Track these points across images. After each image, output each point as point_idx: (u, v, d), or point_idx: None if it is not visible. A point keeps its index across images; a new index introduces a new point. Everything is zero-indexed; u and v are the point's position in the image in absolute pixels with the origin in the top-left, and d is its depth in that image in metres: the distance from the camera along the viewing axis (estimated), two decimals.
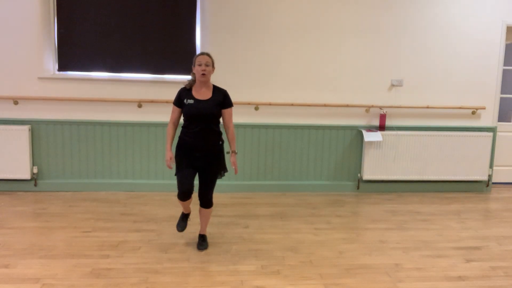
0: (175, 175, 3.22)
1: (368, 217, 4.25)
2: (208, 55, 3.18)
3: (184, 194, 3.17)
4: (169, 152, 3.22)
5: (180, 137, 3.23)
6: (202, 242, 3.41)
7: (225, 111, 3.22)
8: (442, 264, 3.23)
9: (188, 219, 3.49)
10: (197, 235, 3.60)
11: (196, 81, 3.20)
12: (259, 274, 2.96)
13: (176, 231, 3.69)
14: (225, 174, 3.34)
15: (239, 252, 3.31)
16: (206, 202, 3.27)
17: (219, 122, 3.22)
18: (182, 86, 3.27)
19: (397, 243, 3.60)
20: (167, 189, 4.87)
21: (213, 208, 3.38)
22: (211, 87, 3.23)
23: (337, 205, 4.63)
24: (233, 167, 3.25)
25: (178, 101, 3.20)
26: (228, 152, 3.29)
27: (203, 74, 3.12)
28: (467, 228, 4.03)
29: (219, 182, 4.90)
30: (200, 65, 3.13)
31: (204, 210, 3.33)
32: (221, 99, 3.20)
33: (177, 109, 3.22)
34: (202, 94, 3.18)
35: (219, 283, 2.82)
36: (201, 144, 3.15)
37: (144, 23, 4.76)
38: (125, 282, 2.80)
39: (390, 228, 3.95)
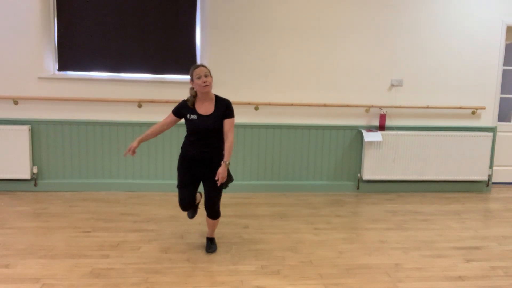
0: (177, 187, 3.24)
1: (368, 217, 4.25)
2: (204, 66, 3.11)
3: (184, 209, 3.28)
4: (134, 143, 3.20)
5: (183, 148, 3.22)
6: (211, 245, 3.37)
7: (226, 121, 3.12)
8: (442, 264, 3.23)
9: (198, 206, 3.46)
10: (198, 235, 3.61)
11: (198, 94, 3.12)
12: (259, 274, 2.96)
13: (176, 231, 3.70)
14: (230, 183, 3.23)
15: (239, 252, 3.31)
16: (213, 213, 3.24)
17: (221, 135, 3.15)
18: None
19: (397, 243, 3.60)
20: (167, 189, 4.87)
21: (220, 217, 3.33)
22: (214, 99, 3.15)
23: (337, 205, 4.63)
24: (217, 178, 3.03)
25: (178, 112, 3.16)
26: (224, 162, 3.08)
27: (206, 85, 3.05)
28: (467, 228, 4.03)
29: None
30: (199, 77, 3.03)
31: (210, 220, 3.30)
32: (223, 111, 3.12)
33: (173, 118, 3.17)
34: (205, 108, 3.12)
35: (219, 283, 2.82)
36: (204, 156, 3.13)
37: (144, 23, 4.76)
38: (125, 282, 2.80)
39: (390, 228, 3.95)
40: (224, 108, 3.12)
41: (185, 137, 3.20)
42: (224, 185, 3.14)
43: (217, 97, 3.17)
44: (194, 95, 3.15)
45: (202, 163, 3.15)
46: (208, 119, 3.09)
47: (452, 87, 5.14)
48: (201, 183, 3.24)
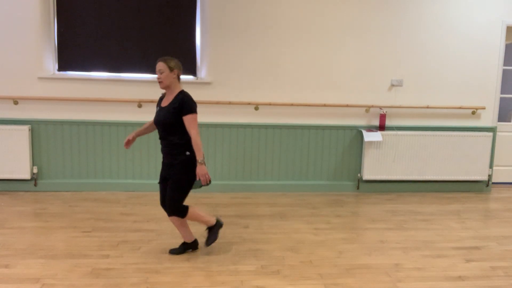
0: None
1: (368, 217, 4.25)
2: (163, 61, 3.02)
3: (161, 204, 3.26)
4: (131, 135, 3.26)
5: None
6: (208, 237, 3.23)
7: (183, 118, 3.00)
8: (442, 264, 3.23)
9: (189, 249, 3.28)
10: (198, 235, 3.62)
11: None
12: (259, 274, 2.96)
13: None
14: (201, 184, 3.09)
15: (239, 252, 3.31)
16: (167, 210, 3.10)
17: (179, 132, 3.03)
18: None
19: (397, 243, 3.60)
20: None
21: (183, 219, 3.13)
22: (176, 93, 3.06)
23: (337, 205, 4.63)
24: (198, 178, 3.01)
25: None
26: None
27: (160, 82, 3.05)
28: (467, 228, 4.03)
29: (220, 181, 4.92)
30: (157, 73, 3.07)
31: (170, 218, 3.15)
32: (176, 107, 2.98)
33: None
34: (167, 101, 3.08)
35: (219, 283, 2.82)
36: (164, 153, 3.12)
37: (144, 23, 4.76)
38: (125, 282, 2.80)
39: (390, 228, 3.95)
40: (177, 103, 2.99)
41: None
42: (194, 186, 3.10)
43: (181, 92, 3.06)
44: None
45: (164, 160, 3.14)
46: (161, 111, 3.06)
47: (452, 87, 5.14)
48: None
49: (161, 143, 3.13)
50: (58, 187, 4.79)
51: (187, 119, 2.99)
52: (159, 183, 3.21)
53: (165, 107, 3.04)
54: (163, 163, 3.17)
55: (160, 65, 3.02)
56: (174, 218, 3.11)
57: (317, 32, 4.87)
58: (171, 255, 3.21)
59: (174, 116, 2.99)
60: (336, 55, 4.93)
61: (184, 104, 2.98)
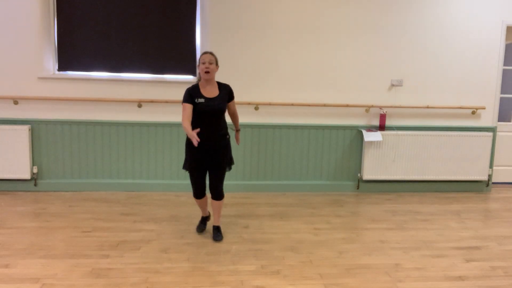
0: (183, 168, 3.49)
1: (368, 217, 4.25)
2: (211, 53, 3.37)
3: (198, 194, 3.54)
4: (193, 132, 3.13)
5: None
6: (218, 233, 3.57)
7: (231, 103, 3.50)
8: (442, 264, 3.23)
9: (208, 220, 3.81)
10: (198, 235, 3.62)
11: (201, 79, 3.38)
12: (259, 274, 2.96)
13: (176, 231, 3.70)
14: (232, 166, 3.63)
15: (239, 252, 3.31)
16: (217, 194, 3.50)
17: (224, 116, 3.45)
18: (188, 86, 3.47)
19: (397, 243, 3.61)
20: (167, 189, 4.87)
21: (224, 199, 3.59)
22: (216, 84, 3.42)
23: (337, 205, 4.63)
24: (238, 141, 3.62)
25: (190, 99, 3.30)
26: (237, 130, 3.65)
27: (207, 72, 3.30)
28: (467, 228, 4.03)
29: None
30: (204, 63, 3.31)
31: (216, 202, 3.54)
32: (227, 95, 3.43)
33: (190, 106, 3.29)
34: (210, 92, 3.36)
35: (219, 283, 2.82)
36: (211, 138, 3.36)
37: (144, 23, 4.76)
38: (125, 282, 2.80)
39: (390, 228, 3.95)
40: (228, 92, 3.45)
41: (192, 124, 3.35)
42: (228, 167, 3.53)
43: (218, 82, 3.46)
44: (199, 79, 3.43)
45: (208, 147, 3.37)
46: (214, 101, 3.34)
47: (452, 87, 5.14)
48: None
49: (207, 128, 3.32)
50: (58, 187, 4.79)
51: (233, 103, 3.53)
52: (196, 171, 3.44)
53: (217, 97, 3.36)
54: (205, 150, 3.37)
55: (211, 57, 3.33)
56: (222, 201, 3.56)
57: (317, 32, 4.87)
58: (171, 255, 3.22)
59: (226, 103, 3.42)
60: (336, 55, 4.93)
61: (231, 92, 3.48)
